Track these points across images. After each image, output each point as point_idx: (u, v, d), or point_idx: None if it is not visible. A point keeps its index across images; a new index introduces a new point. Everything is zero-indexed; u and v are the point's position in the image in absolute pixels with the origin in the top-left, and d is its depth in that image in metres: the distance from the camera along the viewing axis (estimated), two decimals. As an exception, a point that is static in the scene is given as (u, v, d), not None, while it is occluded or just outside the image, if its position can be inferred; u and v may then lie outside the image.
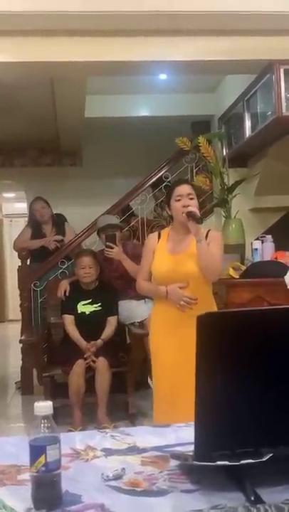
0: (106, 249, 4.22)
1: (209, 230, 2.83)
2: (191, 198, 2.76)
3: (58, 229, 5.33)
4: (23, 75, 4.29)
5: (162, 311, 2.83)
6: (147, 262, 2.86)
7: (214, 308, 2.79)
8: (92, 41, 3.92)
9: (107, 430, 1.55)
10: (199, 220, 2.69)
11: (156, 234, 2.93)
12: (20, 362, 5.13)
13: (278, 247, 4.15)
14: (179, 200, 2.76)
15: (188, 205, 2.72)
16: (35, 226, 5.34)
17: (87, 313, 4.20)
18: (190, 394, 2.76)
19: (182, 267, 2.73)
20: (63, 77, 4.62)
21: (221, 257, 2.84)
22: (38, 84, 4.90)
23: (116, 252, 4.20)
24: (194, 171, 5.33)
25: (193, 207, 2.72)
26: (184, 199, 2.74)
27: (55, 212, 5.37)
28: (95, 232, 4.75)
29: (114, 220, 4.68)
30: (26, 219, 5.84)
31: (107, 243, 4.21)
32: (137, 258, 4.34)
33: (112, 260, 4.29)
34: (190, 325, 2.75)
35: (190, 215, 2.67)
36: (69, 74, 4.44)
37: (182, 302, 2.70)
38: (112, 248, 4.19)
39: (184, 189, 2.79)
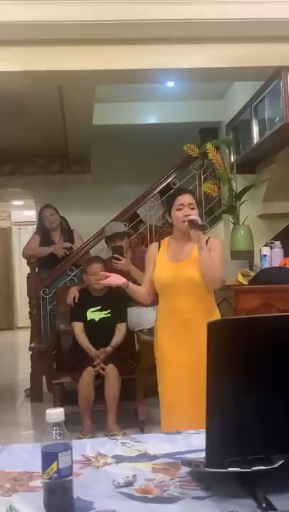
0: (113, 261, 4.23)
1: (209, 237, 2.82)
2: (192, 208, 2.77)
3: (67, 236, 5.35)
4: (31, 84, 4.32)
5: (166, 321, 2.82)
6: (148, 272, 2.87)
7: (216, 316, 2.78)
8: (100, 50, 3.94)
9: (118, 437, 1.55)
10: (202, 228, 2.71)
11: (156, 244, 2.94)
12: (30, 369, 5.14)
13: (287, 253, 4.14)
14: (180, 209, 2.76)
15: (189, 215, 2.72)
16: (43, 233, 5.37)
17: (96, 320, 4.21)
18: (197, 403, 2.78)
19: (183, 274, 2.72)
20: (72, 85, 4.65)
21: (223, 264, 2.81)
22: (47, 93, 4.94)
23: (123, 263, 4.21)
24: (202, 177, 5.34)
25: (195, 215, 2.73)
26: (185, 209, 2.75)
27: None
28: (104, 240, 4.77)
29: (121, 227, 4.68)
30: (35, 226, 5.87)
31: (114, 255, 4.22)
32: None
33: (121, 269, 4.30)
34: (193, 333, 2.77)
35: (192, 223, 2.67)
36: (77, 82, 4.46)
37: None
38: (120, 260, 4.20)
39: (186, 199, 2.78)
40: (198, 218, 2.71)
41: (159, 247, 2.88)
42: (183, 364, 2.67)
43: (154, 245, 2.93)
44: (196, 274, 2.70)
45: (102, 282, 2.97)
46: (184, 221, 2.71)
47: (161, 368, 2.84)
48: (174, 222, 2.81)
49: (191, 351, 2.64)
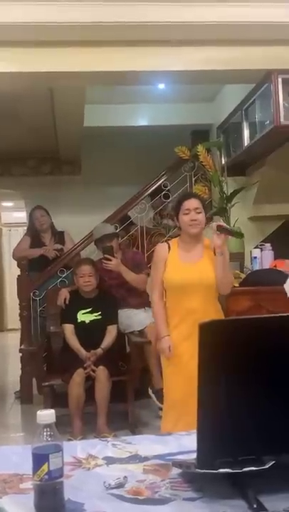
0: (104, 261, 4.22)
1: None
2: (199, 212, 2.85)
3: (57, 237, 5.34)
4: (22, 85, 4.30)
5: (176, 322, 2.86)
6: (159, 273, 2.90)
7: (221, 316, 2.83)
8: (91, 51, 3.93)
9: (108, 439, 1.55)
10: (231, 233, 2.82)
11: (165, 245, 2.99)
12: (20, 371, 5.11)
13: (277, 256, 4.16)
14: (186, 213, 2.85)
15: (195, 219, 2.83)
16: (34, 235, 5.35)
17: (87, 322, 4.19)
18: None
19: (199, 274, 2.80)
20: (62, 87, 4.64)
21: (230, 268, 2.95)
22: (38, 94, 4.92)
23: (114, 263, 4.21)
24: (193, 179, 5.35)
25: (201, 219, 2.84)
26: (192, 213, 2.84)
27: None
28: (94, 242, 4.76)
29: (110, 228, 4.68)
30: (25, 228, 5.84)
31: (105, 255, 4.22)
32: (137, 266, 4.36)
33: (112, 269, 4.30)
34: None
35: (222, 228, 2.76)
36: (68, 84, 4.46)
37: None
38: (110, 260, 4.20)
39: (192, 203, 2.87)
40: (224, 224, 2.87)
41: (169, 248, 2.93)
42: (192, 364, 2.67)
43: (164, 246, 2.98)
44: (210, 275, 2.79)
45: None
46: (214, 227, 2.79)
47: (169, 370, 2.87)
48: (182, 226, 2.89)
49: None
